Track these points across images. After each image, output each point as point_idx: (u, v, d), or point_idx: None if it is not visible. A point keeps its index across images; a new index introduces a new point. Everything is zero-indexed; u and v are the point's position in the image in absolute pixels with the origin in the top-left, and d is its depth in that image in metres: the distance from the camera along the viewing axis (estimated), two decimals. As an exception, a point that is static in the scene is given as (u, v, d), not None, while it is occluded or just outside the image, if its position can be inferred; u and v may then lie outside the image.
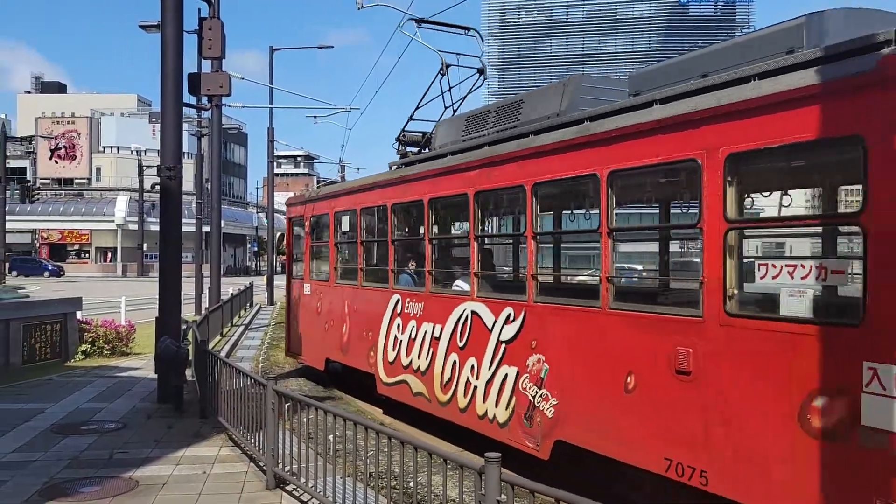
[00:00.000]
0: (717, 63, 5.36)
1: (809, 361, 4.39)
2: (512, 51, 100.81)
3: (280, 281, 49.92)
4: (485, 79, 10.84)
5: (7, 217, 37.56)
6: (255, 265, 79.90)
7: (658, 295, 6.12)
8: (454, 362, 8.17)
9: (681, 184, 5.56)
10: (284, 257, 14.13)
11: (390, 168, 10.45)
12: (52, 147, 68.10)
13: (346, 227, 11.41)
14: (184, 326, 11.17)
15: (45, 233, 67.78)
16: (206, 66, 22.29)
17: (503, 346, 7.35)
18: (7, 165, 39.88)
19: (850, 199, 4.40)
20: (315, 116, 29.97)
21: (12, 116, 74.29)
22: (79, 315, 14.86)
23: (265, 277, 34.46)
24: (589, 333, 6.17)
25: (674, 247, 5.30)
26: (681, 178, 5.60)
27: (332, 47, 34.37)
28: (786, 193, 5.42)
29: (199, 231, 26.68)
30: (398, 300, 9.42)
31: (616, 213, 5.99)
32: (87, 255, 68.59)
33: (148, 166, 59.23)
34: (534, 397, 6.87)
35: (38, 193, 67.69)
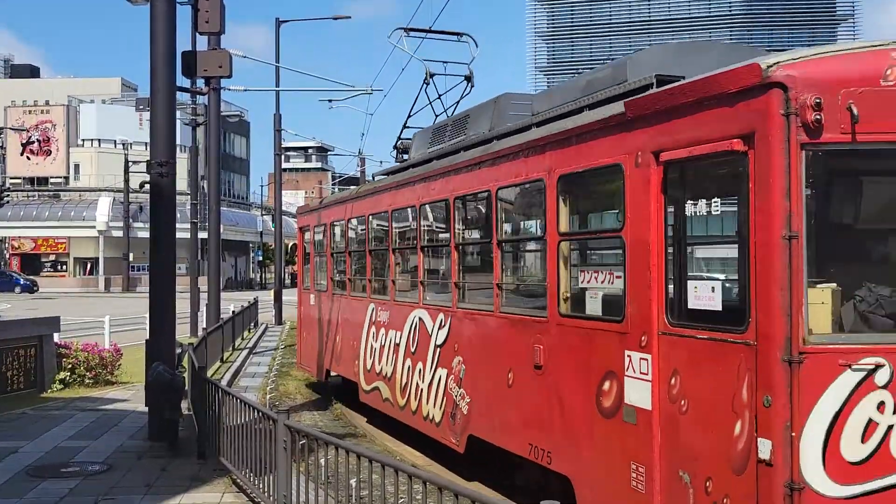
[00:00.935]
0: (595, 87, 7.10)
1: (599, 352, 6.33)
2: (563, 18, 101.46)
3: (291, 296, 50.34)
4: (472, 86, 12.61)
5: (-27, 223, 38.51)
6: (261, 277, 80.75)
7: (534, 298, 7.68)
8: (409, 367, 10.28)
9: (539, 200, 7.34)
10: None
11: (373, 178, 12.76)
12: (24, 141, 69.67)
13: (338, 237, 14.07)
14: (178, 350, 11.33)
15: (16, 241, 69.34)
16: (203, 42, 22.65)
17: (438, 349, 9.42)
18: (-28, 163, 41.02)
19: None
20: (330, 100, 30.19)
21: (-22, 106, 76.21)
22: (56, 338, 15.13)
23: (272, 292, 34.78)
24: (487, 335, 8.25)
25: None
26: (537, 195, 7.44)
27: (350, 17, 34.75)
28: (596, 211, 7.36)
29: (195, 238, 27.04)
30: (373, 309, 11.77)
31: (507, 226, 8.16)
32: (64, 268, 69.99)
33: (135, 162, 60.21)
34: (456, 396, 8.92)
35: (8, 195, 69.33)
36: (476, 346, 8.53)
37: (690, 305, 5.53)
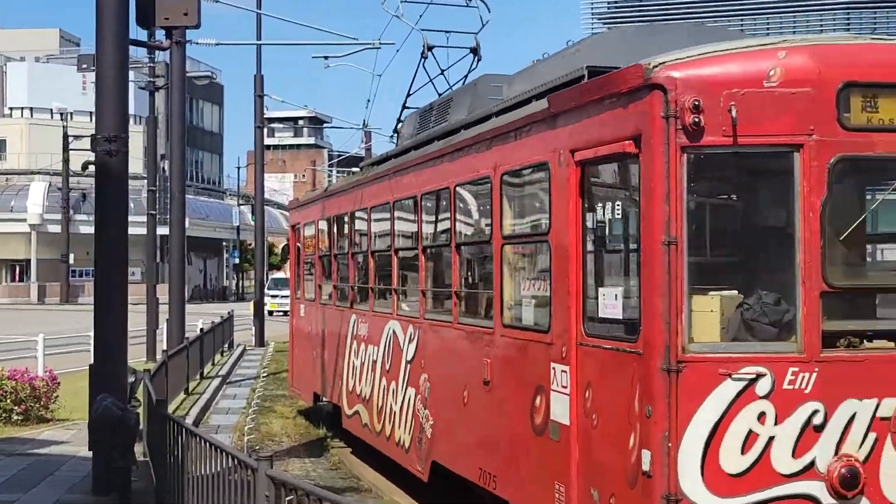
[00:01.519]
0: (549, 74, 7.92)
1: (531, 365, 7.25)
2: None
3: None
4: (479, 59, 13.44)
5: None
6: (237, 285, 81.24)
7: (486, 308, 8.51)
8: (384, 387, 11.24)
9: (489, 200, 8.25)
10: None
11: (360, 168, 13.63)
12: (-63, 110, 70.58)
13: (324, 238, 15.10)
14: (131, 379, 11.39)
15: (-73, 238, 70.21)
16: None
17: (408, 366, 10.39)
18: None
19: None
20: (326, 57, 30.17)
21: None
22: (-24, 362, 15.29)
23: (251, 304, 34.96)
24: (447, 348, 9.24)
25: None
26: (487, 194, 8.36)
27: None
28: (531, 212, 8.03)
29: (153, 234, 27.25)
30: (354, 321, 12.74)
31: (466, 227, 9.12)
32: (-13, 272, 70.78)
33: (77, 137, 60.78)
34: (422, 419, 9.83)
35: (-83, 180, 70.18)
36: (438, 362, 9.63)
37: (601, 314, 6.53)
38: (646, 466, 5.91)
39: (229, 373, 23.70)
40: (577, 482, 6.71)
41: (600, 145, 6.47)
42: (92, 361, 11.29)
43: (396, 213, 11.26)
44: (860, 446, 5.95)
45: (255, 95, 33.28)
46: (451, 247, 9.28)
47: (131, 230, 11.53)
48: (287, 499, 6.65)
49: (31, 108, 72.63)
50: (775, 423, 5.86)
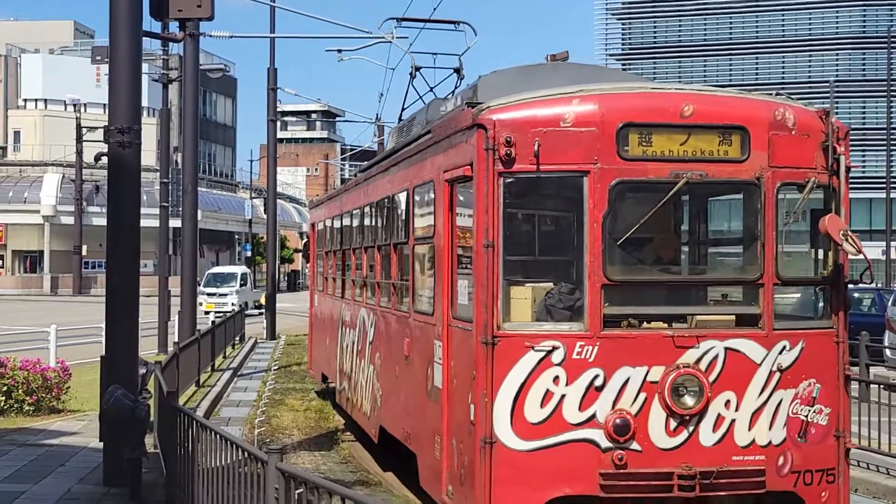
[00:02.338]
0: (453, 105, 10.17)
1: (427, 342, 9.23)
2: None
3: (287, 302, 50.66)
4: (462, 78, 15.03)
5: None
6: (250, 278, 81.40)
7: (407, 297, 10.53)
8: (357, 365, 13.48)
9: (407, 209, 10.53)
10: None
11: (358, 172, 18.16)
12: (-49, 101, 70.81)
13: (326, 236, 17.73)
14: (142, 370, 11.42)
15: (-59, 229, 70.49)
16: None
17: (370, 346, 12.60)
18: None
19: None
20: (339, 51, 30.20)
21: None
22: (-11, 352, 15.35)
23: (263, 297, 35.00)
24: (389, 331, 11.31)
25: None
26: (406, 204, 10.60)
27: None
28: (428, 220, 9.67)
29: (165, 227, 27.31)
30: (342, 308, 15.21)
31: (400, 231, 11.09)
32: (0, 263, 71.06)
33: (90, 128, 60.96)
34: (375, 390, 12.06)
35: (-69, 170, 70.46)
36: (384, 342, 11.72)
37: (458, 301, 8.49)
38: (472, 417, 7.90)
39: (240, 365, 23.74)
40: (446, 434, 8.63)
41: (455, 168, 8.43)
42: (104, 353, 11.33)
43: (364, 217, 13.54)
44: (633, 403, 7.77)
45: (269, 89, 33.28)
46: (389, 245, 11.48)
47: (143, 222, 11.56)
48: (297, 491, 6.66)
49: (46, 100, 72.79)
50: (566, 384, 7.75)
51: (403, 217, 10.96)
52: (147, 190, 42.85)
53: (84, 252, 65.30)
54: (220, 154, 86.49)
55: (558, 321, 7.97)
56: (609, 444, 7.73)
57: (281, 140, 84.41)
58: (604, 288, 7.79)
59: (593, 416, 7.76)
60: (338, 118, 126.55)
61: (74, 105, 67.53)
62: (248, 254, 78.99)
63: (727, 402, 7.93)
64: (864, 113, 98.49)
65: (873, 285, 53.74)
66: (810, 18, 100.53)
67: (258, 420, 15.99)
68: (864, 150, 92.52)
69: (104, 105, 65.86)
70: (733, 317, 8.23)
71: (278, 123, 36.40)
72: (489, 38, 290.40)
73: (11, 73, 72.60)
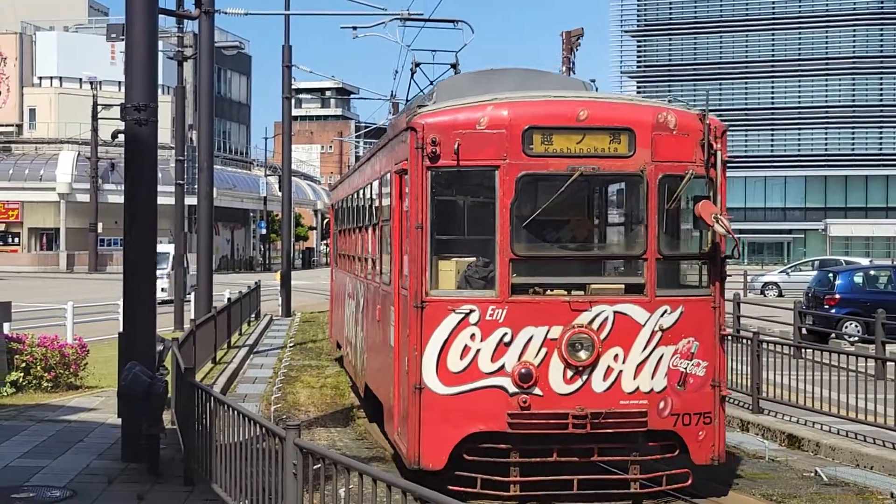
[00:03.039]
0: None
1: (387, 307, 10.97)
2: (662, 11, 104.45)
3: (302, 279, 50.71)
4: (457, 72, 16.70)
5: None
6: (265, 255, 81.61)
7: (384, 271, 11.97)
8: (356, 331, 15.00)
9: (378, 194, 12.48)
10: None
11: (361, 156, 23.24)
12: (-33, 79, 70.92)
13: (339, 215, 19.55)
14: (160, 347, 11.50)
15: (-43, 207, 70.77)
16: (192, -48, 22.80)
17: (360, 312, 14.39)
18: None
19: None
20: (354, 27, 30.13)
21: None
22: (6, 329, 15.44)
23: (278, 274, 35.10)
24: (370, 299, 12.97)
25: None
26: (377, 190, 12.50)
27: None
28: (387, 204, 11.56)
29: (181, 204, 27.37)
30: (348, 281, 16.78)
31: (377, 213, 12.71)
32: (16, 240, 71.34)
33: (105, 105, 61.10)
34: (362, 350, 13.93)
35: (-53, 148, 70.65)
36: (367, 308, 13.37)
37: (404, 273, 10.11)
38: (406, 367, 9.78)
39: (256, 342, 23.84)
40: (396, 384, 10.29)
41: (400, 162, 10.28)
42: (121, 329, 11.40)
43: (355, 201, 15.54)
44: (535, 356, 9.52)
45: (283, 66, 33.23)
46: (368, 226, 13.50)
47: (159, 200, 11.59)
48: (315, 467, 6.72)
49: (61, 78, 72.80)
50: (481, 340, 9.54)
51: (375, 202, 12.88)
52: (162, 167, 42.78)
53: (99, 230, 65.46)
54: (235, 131, 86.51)
55: (475, 289, 9.75)
56: (515, 390, 9.54)
57: (295, 117, 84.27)
58: (511, 262, 9.61)
59: (502, 366, 9.55)
60: (352, 95, 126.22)
61: (91, 82, 67.58)
62: (263, 231, 79.13)
63: (615, 356, 9.67)
64: (881, 138, 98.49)
65: (890, 262, 53.58)
66: (827, 39, 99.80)
67: (274, 396, 16.07)
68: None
69: (119, 83, 66.05)
70: (622, 286, 10.04)
71: (293, 101, 36.36)
72: (503, 46, 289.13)
73: (27, 50, 72.63)
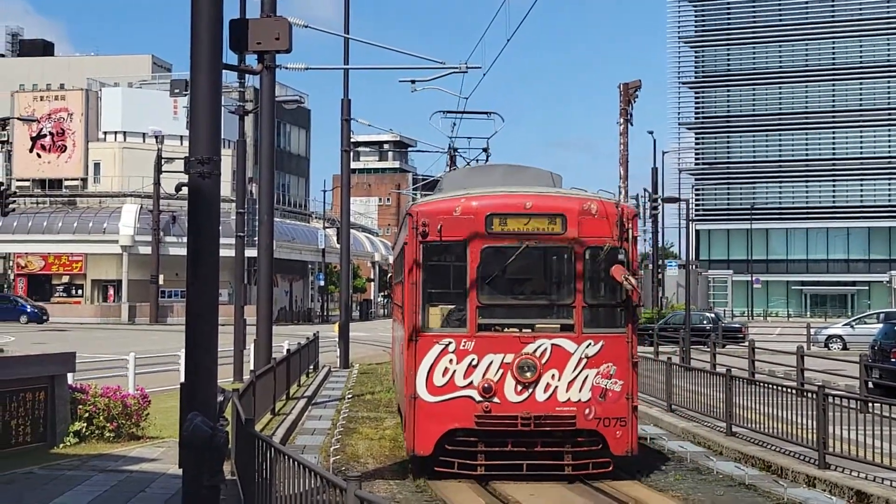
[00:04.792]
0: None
1: (402, 344, 14.91)
2: (720, 62, 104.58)
3: (360, 331, 50.77)
4: (488, 156, 25.44)
5: (-28, 236, 40.21)
6: (323, 307, 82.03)
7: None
8: (395, 368, 19.97)
9: (402, 257, 15.45)
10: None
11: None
12: (34, 134, 72.71)
13: (392, 271, 25.47)
14: (220, 398, 11.56)
15: (23, 259, 72.29)
16: (254, 9, 23.20)
17: (396, 350, 18.94)
18: (-27, 161, 42.95)
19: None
20: (413, 81, 30.42)
21: (-20, 91, 79.70)
22: (70, 379, 15.65)
23: (336, 326, 35.24)
24: (401, 336, 15.30)
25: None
26: (402, 253, 15.82)
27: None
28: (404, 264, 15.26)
29: (241, 257, 27.66)
30: (396, 327, 19.88)
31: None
32: (79, 292, 72.58)
33: (168, 159, 62.09)
34: (399, 373, 17.07)
35: (14, 202, 72.21)
36: (398, 348, 17.37)
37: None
38: (407, 382, 13.74)
39: (315, 393, 23.89)
40: (407, 397, 13.81)
41: (408, 236, 13.97)
42: (183, 380, 11.49)
43: (396, 260, 18.92)
44: (495, 374, 13.40)
45: (342, 119, 33.58)
46: (399, 281, 16.81)
47: (220, 252, 11.72)
48: (375, 519, 6.68)
49: (125, 133, 74.28)
50: (456, 363, 13.45)
51: (399, 262, 16.39)
52: (223, 220, 43.23)
53: (161, 281, 66.37)
54: (294, 184, 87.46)
55: (453, 327, 13.73)
56: (480, 399, 13.38)
57: (354, 170, 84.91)
58: (478, 308, 13.56)
59: (471, 382, 13.42)
60: (410, 148, 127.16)
61: (156, 136, 68.88)
62: (322, 283, 79.62)
63: (553, 375, 13.45)
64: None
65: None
66: (888, 44, 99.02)
67: (333, 448, 16.06)
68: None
69: (181, 137, 67.43)
70: (559, 325, 13.75)
71: (351, 154, 36.69)
72: (564, 63, 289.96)
73: (92, 106, 74.26)
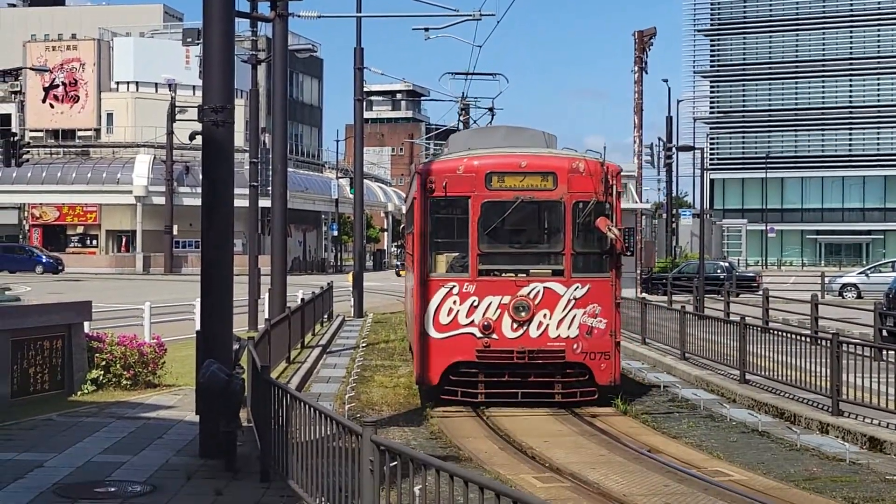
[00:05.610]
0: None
1: (413, 285, 16.70)
2: (736, 10, 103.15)
3: (374, 280, 50.87)
4: (493, 115, 34.47)
5: (-14, 187, 40.26)
6: (336, 257, 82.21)
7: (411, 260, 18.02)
8: (406, 310, 22.01)
9: (412, 209, 17.60)
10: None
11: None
12: (47, 84, 72.58)
13: (404, 222, 32.30)
14: (235, 346, 11.66)
15: (38, 209, 72.47)
16: (266, -44, 23.02)
17: (407, 294, 21.12)
18: (-14, 112, 42.89)
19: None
20: (426, 29, 30.27)
21: (-8, 41, 79.56)
22: (87, 328, 15.79)
23: (350, 275, 35.37)
24: (408, 284, 19.92)
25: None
26: (410, 206, 18.16)
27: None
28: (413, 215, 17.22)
29: (255, 207, 27.70)
30: (408, 270, 21.29)
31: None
32: (94, 242, 72.84)
33: (181, 109, 61.94)
34: (409, 313, 19.35)
35: (28, 152, 72.14)
36: (408, 292, 19.78)
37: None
38: (417, 321, 15.36)
39: (329, 342, 24.04)
40: (415, 329, 15.61)
41: (415, 192, 15.71)
42: (198, 328, 11.58)
43: (408, 214, 20.15)
44: (493, 314, 14.90)
45: (355, 68, 33.40)
46: (409, 231, 18.53)
47: (234, 201, 11.74)
48: (391, 464, 6.76)
49: (137, 83, 74.02)
50: (459, 304, 14.99)
51: (410, 216, 18.04)
52: (236, 170, 43.25)
53: (175, 231, 66.51)
54: (307, 134, 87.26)
55: (457, 272, 15.32)
56: (481, 335, 14.94)
57: (366, 120, 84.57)
58: (478, 255, 15.11)
59: (472, 320, 14.98)
60: (423, 97, 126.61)
61: (169, 85, 68.60)
62: (335, 233, 79.74)
63: (544, 314, 14.98)
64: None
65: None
66: None
67: (348, 396, 16.20)
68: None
69: (193, 87, 67.19)
70: (550, 270, 15.31)
71: (364, 103, 36.55)
72: (578, 11, 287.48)
73: (104, 56, 73.97)
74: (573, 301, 15.01)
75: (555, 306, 14.97)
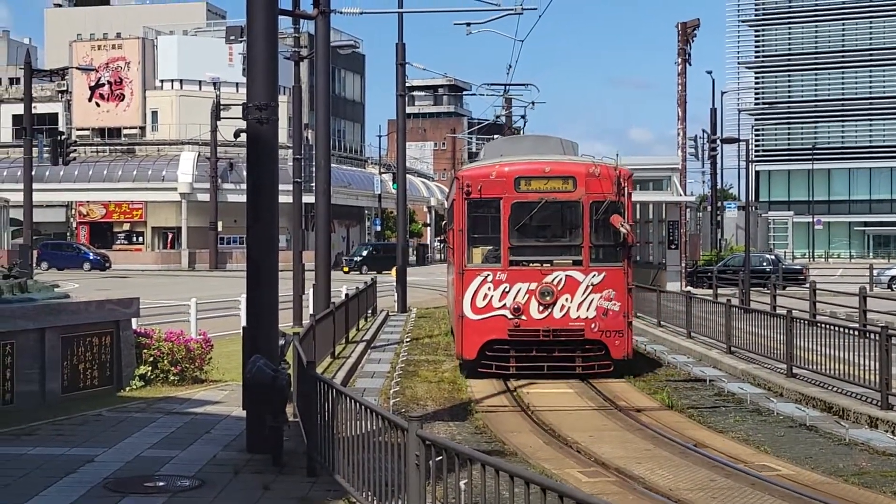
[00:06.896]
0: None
1: (453, 277, 20.74)
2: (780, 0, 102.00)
3: (417, 276, 50.89)
4: (525, 121, 42.50)
5: (34, 186, 40.78)
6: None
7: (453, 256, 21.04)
8: (451, 292, 22.52)
9: (451, 209, 21.95)
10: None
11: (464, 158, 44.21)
12: (92, 83, 73.35)
13: (447, 218, 30.13)
14: (281, 342, 11.74)
15: (85, 207, 73.33)
16: (307, -47, 22.97)
17: (449, 284, 24.35)
18: (33, 111, 43.40)
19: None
20: (468, 24, 30.33)
21: (38, 41, 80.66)
22: (135, 324, 15.97)
23: (393, 270, 35.46)
24: (451, 274, 22.43)
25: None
26: (451, 206, 22.73)
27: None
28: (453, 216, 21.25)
29: (298, 203, 27.85)
30: (449, 266, 24.62)
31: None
32: (140, 239, 73.58)
33: (225, 105, 62.39)
34: (451, 298, 22.87)
35: (75, 151, 72.97)
36: (450, 281, 22.43)
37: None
38: (457, 305, 18.05)
39: (373, 338, 24.12)
40: (455, 313, 18.27)
41: (455, 194, 18.67)
42: (244, 324, 11.68)
43: (448, 211, 23.41)
44: (522, 298, 17.41)
45: (397, 64, 33.48)
46: (450, 228, 21.27)
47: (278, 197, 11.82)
48: (437, 458, 6.79)
49: (181, 81, 74.67)
50: (493, 290, 17.50)
51: (450, 215, 21.37)
52: (280, 166, 43.44)
53: (219, 228, 67.03)
54: (350, 130, 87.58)
55: (491, 263, 17.74)
56: (511, 317, 17.37)
57: (409, 115, 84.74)
58: (509, 248, 17.57)
59: (504, 304, 17.40)
60: (465, 92, 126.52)
61: (214, 83, 69.14)
62: (378, 228, 79.97)
63: (566, 299, 17.33)
64: None
65: None
66: None
67: (393, 391, 16.26)
68: None
69: (236, 84, 67.68)
70: (571, 261, 17.69)
71: (406, 98, 36.63)
72: (621, 2, 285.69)
73: (149, 55, 74.64)
74: (591, 287, 17.37)
75: (575, 291, 17.35)
